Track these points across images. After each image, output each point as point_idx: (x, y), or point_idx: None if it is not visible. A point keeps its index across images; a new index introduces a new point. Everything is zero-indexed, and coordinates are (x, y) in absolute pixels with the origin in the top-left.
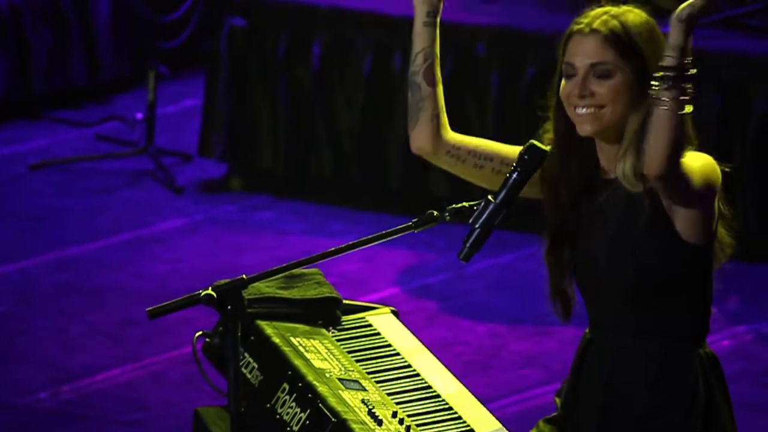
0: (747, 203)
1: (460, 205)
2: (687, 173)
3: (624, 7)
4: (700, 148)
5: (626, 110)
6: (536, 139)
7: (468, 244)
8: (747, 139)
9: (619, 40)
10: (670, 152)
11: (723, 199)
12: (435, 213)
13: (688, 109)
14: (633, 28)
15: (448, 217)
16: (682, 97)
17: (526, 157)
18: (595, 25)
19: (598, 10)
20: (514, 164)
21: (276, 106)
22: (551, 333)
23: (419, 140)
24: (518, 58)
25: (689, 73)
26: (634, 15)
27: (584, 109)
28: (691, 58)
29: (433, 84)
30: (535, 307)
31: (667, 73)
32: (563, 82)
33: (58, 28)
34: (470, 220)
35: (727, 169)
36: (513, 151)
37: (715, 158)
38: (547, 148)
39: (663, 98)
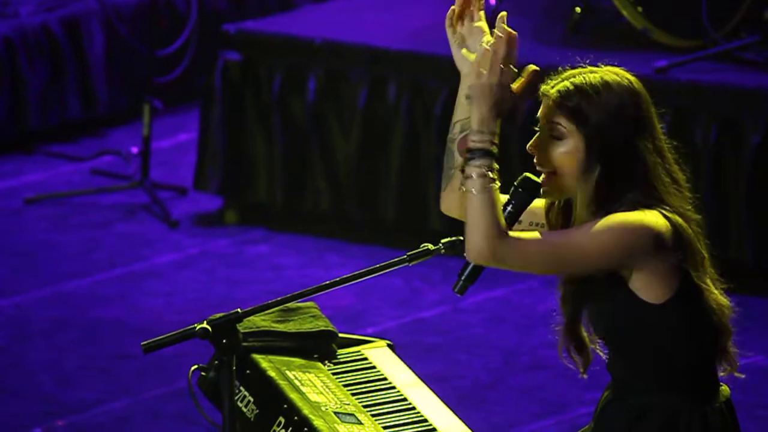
0: (741, 235)
1: (455, 238)
2: (530, 252)
3: (594, 69)
4: (695, 180)
5: (578, 177)
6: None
7: (463, 278)
8: (741, 171)
9: (567, 104)
10: (477, 237)
11: (691, 258)
12: (430, 246)
13: (497, 193)
14: (584, 93)
15: (443, 251)
16: (478, 177)
17: (520, 189)
18: (553, 89)
19: (567, 72)
20: (509, 197)
21: (271, 139)
22: (547, 367)
23: (447, 204)
24: None
25: (489, 153)
26: (595, 78)
27: (542, 175)
28: (492, 138)
29: None
30: (531, 340)
31: (466, 154)
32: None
33: (53, 62)
34: (465, 253)
35: (681, 222)
36: (538, 205)
37: (706, 189)
38: (540, 180)
39: (465, 178)
